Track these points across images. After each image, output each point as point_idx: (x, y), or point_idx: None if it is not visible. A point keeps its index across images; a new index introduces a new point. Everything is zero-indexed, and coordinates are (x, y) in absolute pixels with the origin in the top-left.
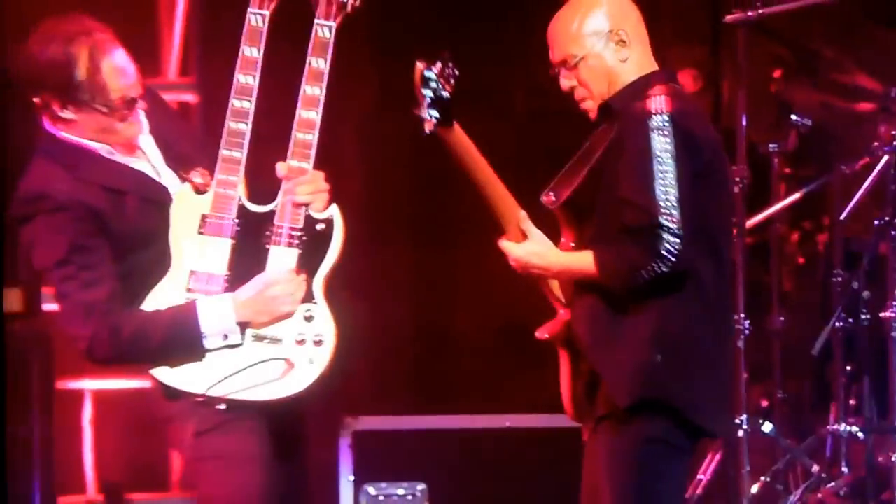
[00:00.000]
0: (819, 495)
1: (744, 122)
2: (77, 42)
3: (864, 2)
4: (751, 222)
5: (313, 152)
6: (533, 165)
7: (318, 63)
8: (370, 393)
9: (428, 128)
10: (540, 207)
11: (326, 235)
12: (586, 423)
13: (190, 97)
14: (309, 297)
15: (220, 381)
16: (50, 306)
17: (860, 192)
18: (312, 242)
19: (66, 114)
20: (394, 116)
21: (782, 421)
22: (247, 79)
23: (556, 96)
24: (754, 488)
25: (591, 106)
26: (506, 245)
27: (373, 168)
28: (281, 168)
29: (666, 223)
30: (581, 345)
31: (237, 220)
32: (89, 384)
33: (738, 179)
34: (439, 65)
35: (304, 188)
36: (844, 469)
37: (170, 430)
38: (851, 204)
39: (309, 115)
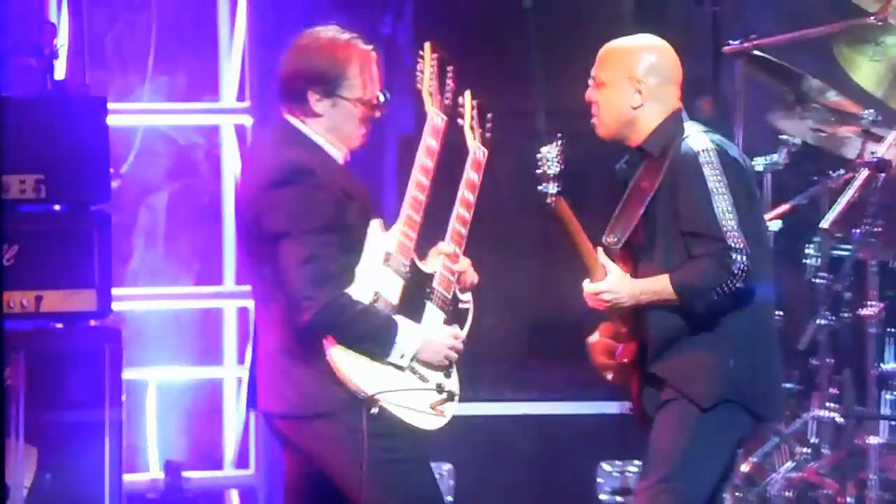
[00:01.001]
0: (803, 474)
1: (739, 141)
2: (349, 46)
3: (850, 32)
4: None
5: (465, 241)
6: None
7: (473, 176)
8: None
9: (550, 200)
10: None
11: (465, 314)
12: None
13: (245, 120)
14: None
15: (387, 391)
16: (119, 306)
17: (842, 203)
18: (455, 315)
19: (321, 106)
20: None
21: None
22: (428, 161)
23: (575, 118)
24: (745, 467)
25: (596, 122)
26: (596, 286)
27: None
28: (444, 247)
29: (733, 244)
30: (651, 361)
31: (409, 269)
32: (153, 374)
33: None
34: (557, 144)
35: (459, 268)
36: (826, 451)
37: (322, 424)
38: (835, 214)
39: (464, 213)
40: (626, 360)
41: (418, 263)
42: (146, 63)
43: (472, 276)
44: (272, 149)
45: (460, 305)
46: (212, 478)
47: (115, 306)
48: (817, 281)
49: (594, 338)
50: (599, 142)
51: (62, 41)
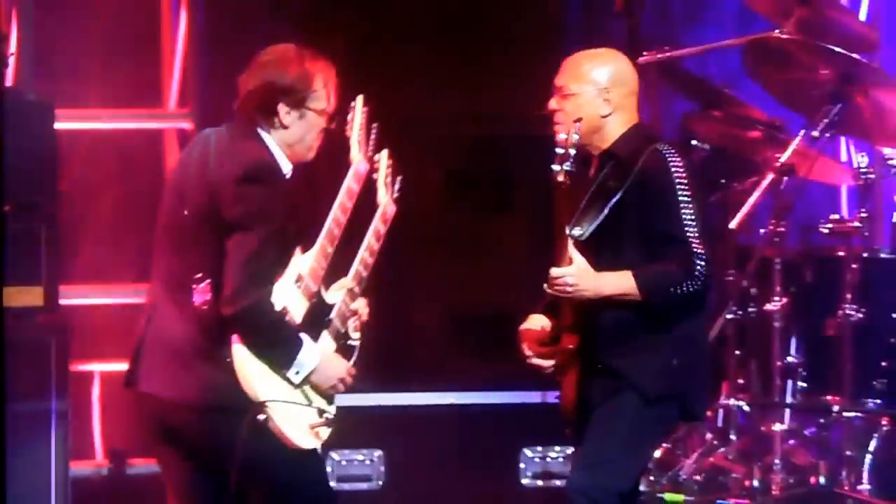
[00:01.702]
0: (712, 459)
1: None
2: (315, 60)
3: (757, 46)
4: None
5: (364, 283)
6: (477, 185)
7: (380, 227)
8: None
9: (563, 178)
10: (513, 227)
11: (352, 351)
12: (577, 422)
13: (187, 125)
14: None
15: (276, 401)
16: (67, 301)
17: (749, 204)
18: (343, 349)
19: (289, 118)
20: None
21: None
22: (347, 202)
23: (504, 122)
24: (657, 453)
25: (560, 129)
26: (561, 270)
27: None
28: (346, 282)
29: (697, 251)
30: (601, 353)
31: (315, 295)
32: (98, 367)
33: None
34: (576, 128)
35: (354, 306)
36: (733, 437)
37: (217, 418)
38: (742, 214)
39: (368, 258)
40: (571, 348)
41: (323, 292)
42: (92, 71)
43: (364, 317)
44: (242, 144)
45: (349, 342)
46: (154, 465)
47: (62, 302)
48: (726, 277)
49: (527, 326)
50: (519, 144)
51: (12, 50)
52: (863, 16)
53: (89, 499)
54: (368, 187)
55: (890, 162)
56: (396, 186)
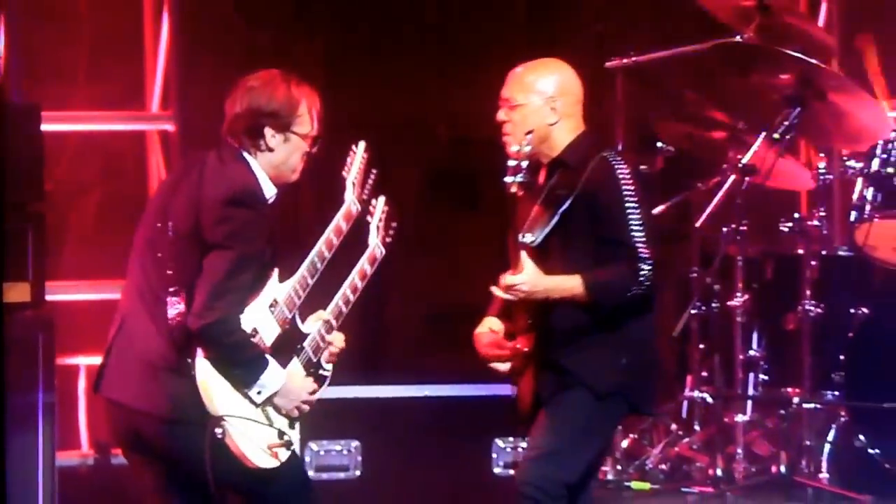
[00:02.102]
0: (677, 449)
1: (619, 149)
2: (300, 86)
3: (719, 51)
4: None
5: (342, 319)
6: (451, 186)
7: (367, 269)
8: None
9: (515, 189)
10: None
11: (323, 381)
12: (531, 420)
13: (169, 127)
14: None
15: (235, 417)
16: (52, 297)
17: (712, 204)
18: (314, 379)
19: (274, 141)
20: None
21: None
22: (334, 238)
23: (478, 125)
24: (625, 443)
25: (510, 140)
26: (514, 278)
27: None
28: (324, 315)
29: (644, 255)
30: (553, 352)
31: (289, 322)
32: (83, 360)
33: None
34: (527, 141)
35: (330, 338)
36: (697, 428)
37: (182, 430)
38: (705, 214)
39: (350, 295)
40: (525, 349)
41: (298, 321)
42: (78, 74)
43: (338, 350)
44: (229, 168)
45: (321, 372)
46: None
47: (48, 298)
48: (690, 274)
49: (481, 330)
50: (494, 146)
51: (0, 54)
52: (820, 22)
53: (75, 488)
54: (360, 226)
55: (847, 163)
56: (390, 232)
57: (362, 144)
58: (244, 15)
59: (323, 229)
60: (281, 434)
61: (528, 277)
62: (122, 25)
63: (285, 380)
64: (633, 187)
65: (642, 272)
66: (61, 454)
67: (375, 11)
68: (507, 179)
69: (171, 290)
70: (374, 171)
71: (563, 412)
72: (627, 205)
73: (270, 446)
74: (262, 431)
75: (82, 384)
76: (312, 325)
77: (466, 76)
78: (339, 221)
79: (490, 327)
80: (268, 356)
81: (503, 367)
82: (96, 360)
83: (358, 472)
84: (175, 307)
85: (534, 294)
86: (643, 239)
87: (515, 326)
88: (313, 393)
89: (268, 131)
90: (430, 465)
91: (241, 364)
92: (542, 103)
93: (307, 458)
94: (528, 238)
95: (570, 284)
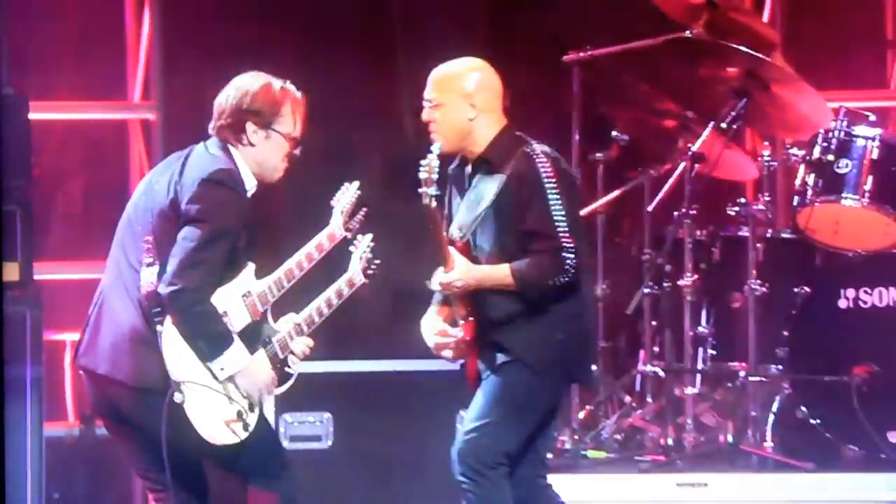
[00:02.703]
0: (630, 420)
1: (577, 138)
2: (285, 89)
3: (670, 45)
4: (582, 213)
5: (314, 328)
6: (416, 172)
7: (345, 291)
8: None
9: (429, 201)
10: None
11: (287, 378)
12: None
13: (150, 116)
14: (259, 403)
15: (192, 383)
16: (40, 276)
17: (664, 189)
18: (279, 375)
19: (256, 137)
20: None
21: (604, 363)
22: (315, 253)
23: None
24: (581, 414)
25: (436, 138)
26: (448, 276)
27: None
28: (297, 318)
29: (566, 245)
30: (493, 334)
31: (260, 315)
32: (69, 336)
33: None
34: (435, 155)
35: (300, 343)
36: (650, 400)
37: (152, 399)
38: (657, 199)
39: (325, 310)
40: (467, 338)
41: (269, 317)
42: (63, 65)
43: (303, 355)
44: (212, 155)
45: (286, 369)
46: None
47: (36, 277)
48: (643, 256)
49: (426, 320)
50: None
51: None
52: (765, 17)
53: (61, 457)
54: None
55: (790, 151)
56: (374, 264)
57: (356, 184)
58: (223, 8)
59: (302, 241)
60: (240, 413)
61: (459, 273)
62: (105, 19)
63: (249, 362)
64: (554, 180)
65: (566, 262)
66: (48, 425)
67: (347, 8)
68: (423, 191)
69: (146, 261)
70: (364, 209)
71: (502, 387)
72: (549, 197)
73: (228, 423)
74: (222, 407)
75: (68, 358)
76: (283, 325)
77: (431, 69)
78: (322, 240)
79: (434, 317)
80: (234, 336)
81: (449, 353)
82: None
83: (330, 443)
84: (148, 278)
85: (467, 286)
86: (566, 230)
87: (458, 315)
88: (276, 386)
89: (250, 126)
90: (398, 436)
91: (205, 336)
92: (462, 100)
93: (282, 429)
94: (456, 234)
95: (499, 274)
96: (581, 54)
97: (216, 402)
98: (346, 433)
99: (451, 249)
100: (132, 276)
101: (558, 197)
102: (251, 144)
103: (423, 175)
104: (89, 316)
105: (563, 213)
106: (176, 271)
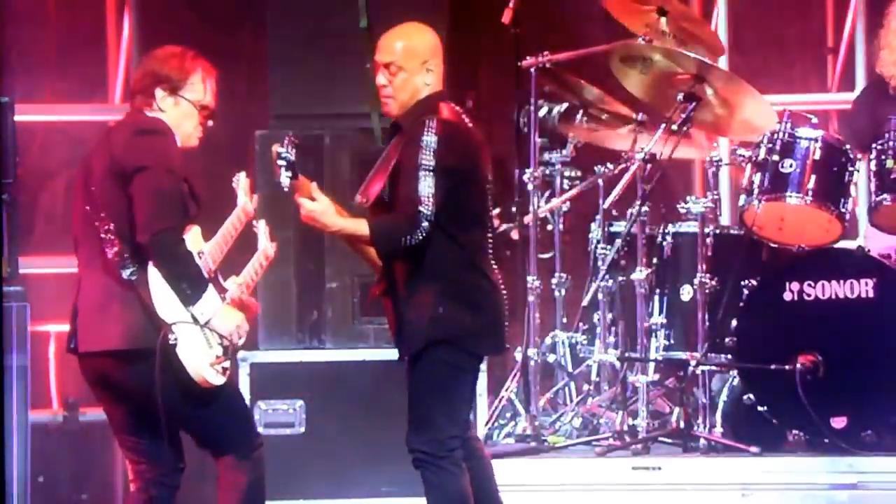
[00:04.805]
0: (588, 406)
1: (536, 139)
2: (196, 58)
3: (624, 53)
4: (541, 210)
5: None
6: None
7: (263, 262)
8: (263, 334)
9: (286, 185)
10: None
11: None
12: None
13: None
14: (233, 350)
15: (183, 323)
16: (25, 270)
17: (618, 188)
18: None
19: (165, 103)
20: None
21: (562, 353)
22: (239, 226)
23: None
24: (541, 401)
25: (391, 103)
26: (309, 205)
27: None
28: (239, 279)
29: (424, 210)
30: (404, 311)
31: (214, 274)
32: (53, 327)
33: (532, 178)
34: (285, 141)
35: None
36: (606, 388)
37: (141, 360)
38: (612, 197)
39: (255, 277)
40: (375, 293)
41: (220, 277)
42: (47, 69)
43: (255, 310)
44: (133, 116)
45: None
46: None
47: (21, 271)
48: (598, 251)
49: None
50: None
51: None
52: (713, 26)
53: (46, 442)
54: None
55: (737, 152)
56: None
57: (242, 174)
58: (196, 15)
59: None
60: (218, 357)
61: (318, 207)
62: (87, 24)
63: (222, 305)
64: (432, 149)
65: (420, 223)
66: (34, 412)
67: (315, 13)
68: (280, 179)
69: (106, 229)
70: (256, 195)
71: (418, 376)
72: (422, 163)
73: (213, 364)
74: (206, 349)
75: (52, 348)
76: (230, 285)
77: None
78: (239, 214)
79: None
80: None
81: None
82: (65, 326)
83: (302, 429)
84: (112, 246)
85: (327, 227)
86: (428, 195)
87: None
88: (244, 326)
89: (159, 92)
90: (367, 422)
91: (189, 277)
92: (421, 66)
93: (257, 416)
94: (361, 199)
95: (356, 226)
96: (539, 60)
97: (201, 344)
98: (317, 420)
99: (315, 189)
100: (100, 251)
101: (430, 166)
102: (161, 110)
103: (280, 162)
104: (73, 304)
105: (432, 182)
106: (149, 218)
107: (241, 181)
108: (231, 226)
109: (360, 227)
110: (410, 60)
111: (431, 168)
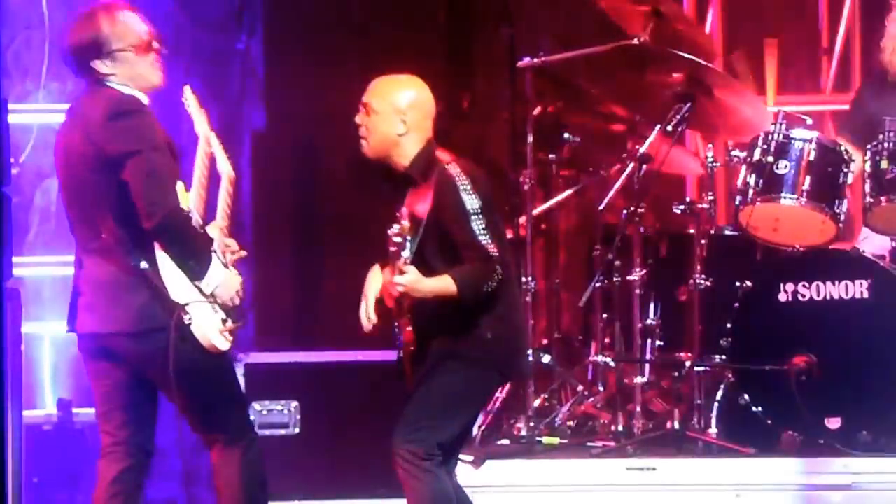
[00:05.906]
0: (583, 407)
1: (530, 139)
2: (96, 11)
3: (619, 53)
4: (536, 211)
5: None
6: (375, 171)
7: (230, 194)
8: (258, 336)
9: (402, 261)
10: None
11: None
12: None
13: None
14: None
15: (194, 302)
16: (20, 271)
17: (613, 189)
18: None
19: (107, 68)
20: None
21: (557, 354)
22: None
23: None
24: (536, 402)
25: (363, 143)
26: (400, 279)
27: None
28: (219, 224)
29: (493, 254)
30: (430, 335)
31: (201, 225)
32: (47, 328)
33: (527, 180)
34: (398, 226)
35: (228, 242)
36: (601, 388)
37: (156, 337)
38: (607, 198)
39: (227, 210)
40: (412, 348)
41: (207, 226)
42: (40, 72)
43: (238, 251)
44: (99, 95)
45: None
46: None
47: (15, 271)
48: (594, 252)
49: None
50: None
51: None
52: (707, 28)
53: (40, 442)
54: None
55: (732, 153)
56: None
57: (187, 88)
58: (189, 16)
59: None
60: (224, 321)
61: (413, 277)
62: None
63: (225, 272)
64: (472, 192)
65: (495, 269)
66: (27, 413)
67: (309, 13)
68: (403, 256)
69: (102, 217)
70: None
71: (435, 381)
72: (469, 210)
73: (222, 331)
74: (213, 317)
75: (46, 349)
76: (213, 232)
77: (389, 73)
78: (204, 146)
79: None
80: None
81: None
82: (59, 327)
83: (297, 430)
84: (109, 231)
85: (415, 292)
86: (489, 239)
87: (399, 324)
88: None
89: (97, 63)
90: (362, 423)
91: (196, 255)
92: (394, 114)
93: (251, 417)
94: (402, 255)
95: (443, 284)
96: (534, 60)
97: (209, 314)
98: (312, 421)
99: (404, 264)
100: (97, 238)
101: (479, 209)
102: (113, 74)
103: (397, 239)
104: (73, 288)
105: (484, 224)
106: (151, 202)
107: (188, 97)
108: (202, 164)
109: (448, 284)
110: (385, 106)
111: (478, 210)
